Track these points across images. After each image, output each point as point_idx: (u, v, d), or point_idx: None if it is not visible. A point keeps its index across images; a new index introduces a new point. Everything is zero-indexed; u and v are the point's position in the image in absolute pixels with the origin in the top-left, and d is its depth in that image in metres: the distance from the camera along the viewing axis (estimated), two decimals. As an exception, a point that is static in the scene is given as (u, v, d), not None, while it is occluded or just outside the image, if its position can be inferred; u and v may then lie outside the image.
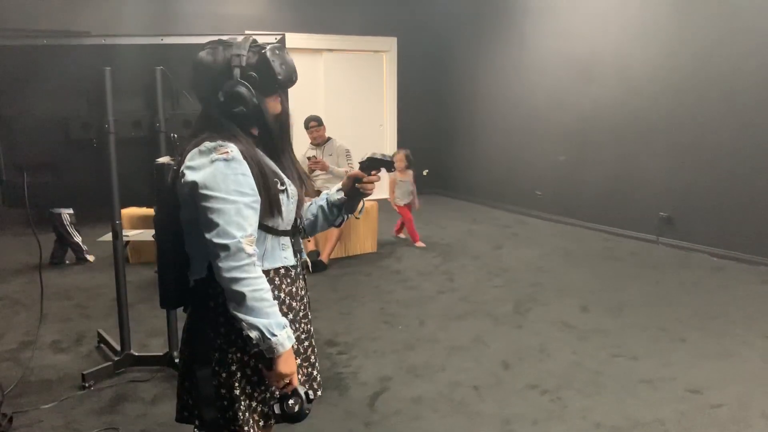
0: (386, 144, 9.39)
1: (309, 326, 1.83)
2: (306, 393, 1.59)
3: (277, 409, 1.59)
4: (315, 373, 1.86)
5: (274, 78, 1.61)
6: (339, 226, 1.91)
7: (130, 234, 4.92)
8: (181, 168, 1.57)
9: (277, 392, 1.61)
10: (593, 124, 6.79)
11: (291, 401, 1.57)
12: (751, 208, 5.31)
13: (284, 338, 1.52)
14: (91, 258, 5.68)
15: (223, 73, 1.59)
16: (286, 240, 1.70)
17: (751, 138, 5.27)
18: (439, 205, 8.82)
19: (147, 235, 5.03)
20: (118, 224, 3.20)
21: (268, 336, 1.50)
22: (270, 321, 1.50)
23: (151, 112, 3.06)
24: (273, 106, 1.66)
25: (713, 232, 5.62)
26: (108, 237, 3.38)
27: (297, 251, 1.76)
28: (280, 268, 1.67)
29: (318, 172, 5.85)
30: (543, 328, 3.95)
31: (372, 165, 1.82)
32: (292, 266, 1.72)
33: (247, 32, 7.77)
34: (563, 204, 7.29)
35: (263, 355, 1.52)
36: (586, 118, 6.86)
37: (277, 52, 1.61)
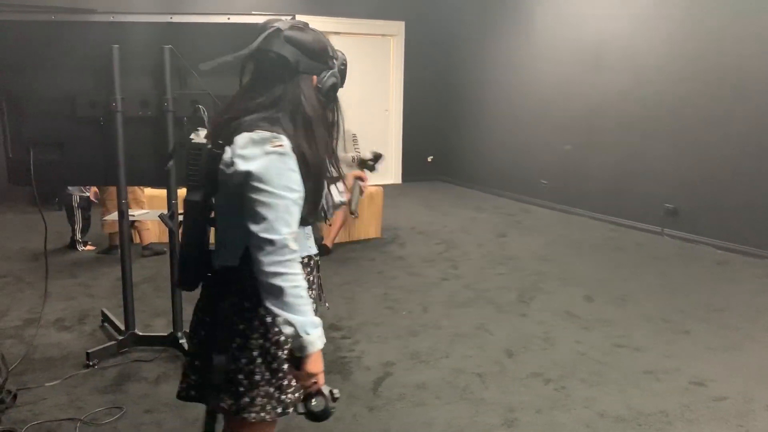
0: (392, 129, 9.35)
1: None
2: (331, 391, 1.56)
3: (301, 408, 1.58)
4: None
5: (344, 80, 1.65)
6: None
7: (136, 214, 4.91)
8: (231, 154, 1.52)
9: (302, 390, 1.59)
10: (600, 114, 6.74)
11: (314, 401, 1.55)
12: (756, 201, 5.28)
13: (316, 338, 1.50)
14: (85, 248, 5.47)
15: (320, 59, 1.60)
16: (309, 229, 1.71)
17: (759, 130, 5.22)
18: (443, 192, 8.81)
19: (152, 215, 5.02)
20: (124, 203, 3.19)
21: (302, 334, 1.48)
22: (305, 319, 1.49)
23: (158, 92, 3.04)
24: None
25: (718, 225, 5.60)
26: (114, 216, 3.37)
27: (317, 239, 1.76)
28: (303, 258, 1.66)
29: None
30: (547, 317, 3.95)
31: (364, 164, 1.96)
32: (315, 255, 1.72)
33: (254, 13, 7.71)
34: (568, 193, 7.26)
35: (292, 353, 1.51)
36: (593, 108, 6.81)
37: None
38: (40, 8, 6.61)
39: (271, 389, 1.64)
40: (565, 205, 7.30)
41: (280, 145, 1.49)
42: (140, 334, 3.38)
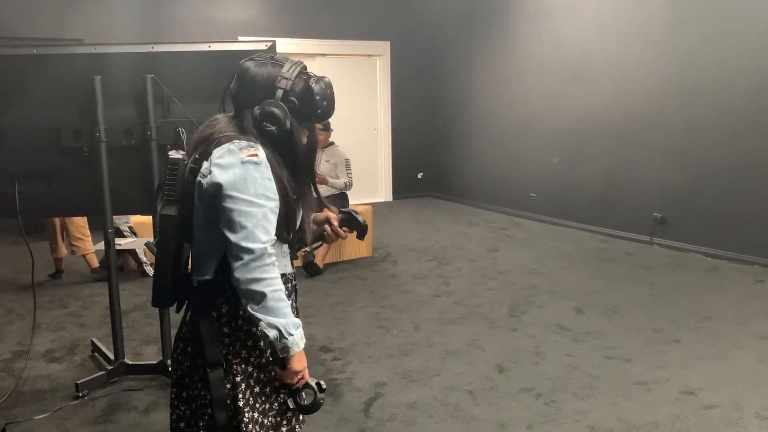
0: (381, 147, 9.40)
1: None
2: (318, 383, 1.66)
3: (291, 404, 1.67)
4: None
5: (313, 110, 1.63)
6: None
7: (122, 243, 4.91)
8: (208, 165, 1.56)
9: (289, 387, 1.67)
10: (587, 126, 6.80)
11: (303, 394, 1.67)
12: (744, 208, 5.32)
13: (299, 338, 1.57)
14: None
15: (265, 90, 1.61)
16: (286, 248, 1.73)
17: (744, 138, 5.28)
18: (433, 208, 8.83)
19: (139, 243, 5.02)
20: (111, 233, 3.19)
21: (285, 336, 1.54)
22: (287, 321, 1.54)
23: (142, 120, 3.06)
24: (302, 135, 1.69)
25: (707, 233, 5.64)
26: (100, 245, 3.37)
27: (293, 260, 1.78)
28: (281, 275, 1.67)
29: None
30: (538, 330, 3.95)
31: (347, 221, 1.85)
32: (290, 274, 1.75)
33: (240, 38, 7.78)
34: (558, 206, 7.30)
35: (277, 354, 1.57)
36: (580, 120, 6.87)
37: (323, 86, 1.64)
38: (23, 41, 6.66)
39: (255, 414, 1.66)
40: (555, 217, 7.33)
41: (255, 155, 1.54)
42: (130, 363, 3.37)
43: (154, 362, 3.37)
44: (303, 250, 1.86)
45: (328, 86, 1.66)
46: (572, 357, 3.53)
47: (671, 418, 2.82)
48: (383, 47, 9.16)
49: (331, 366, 3.48)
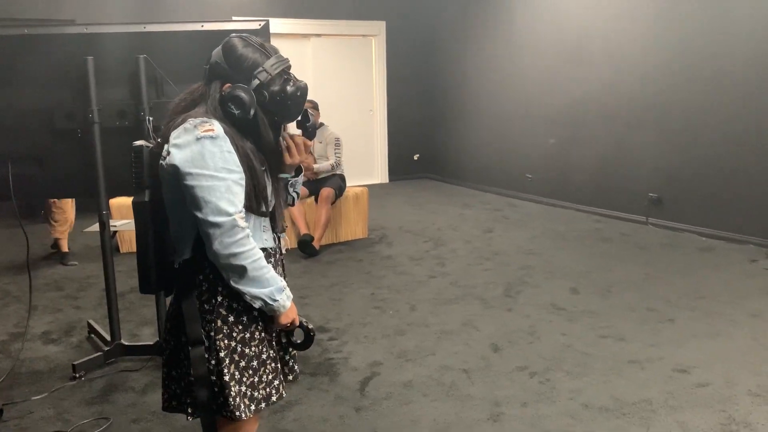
0: (377, 129, 9.37)
1: None
2: (307, 327, 1.79)
3: (286, 343, 1.84)
4: (287, 357, 1.89)
5: (279, 110, 1.64)
6: (292, 204, 1.90)
7: (117, 224, 4.90)
8: (166, 146, 1.57)
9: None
10: (583, 107, 6.79)
11: (294, 335, 1.84)
12: (739, 188, 5.34)
13: (284, 300, 1.65)
14: None
15: (242, 73, 1.61)
16: (266, 222, 1.72)
17: (739, 118, 5.28)
18: (430, 189, 8.83)
19: (133, 225, 5.02)
20: (105, 214, 3.19)
21: (270, 303, 1.62)
22: (271, 289, 1.61)
23: (135, 101, 3.04)
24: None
25: (702, 212, 5.65)
26: (95, 227, 3.37)
27: (276, 234, 1.77)
28: (262, 250, 1.68)
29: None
30: (532, 310, 3.98)
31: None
32: (271, 248, 1.74)
33: (234, 18, 7.71)
34: (553, 186, 7.30)
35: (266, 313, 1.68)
36: (576, 101, 6.85)
37: (297, 91, 1.64)
38: (14, 21, 6.59)
39: (243, 388, 1.67)
40: (551, 198, 7.34)
41: (211, 129, 1.54)
42: (126, 344, 3.38)
43: (150, 343, 3.39)
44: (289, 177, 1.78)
45: (303, 92, 1.65)
46: (566, 336, 3.55)
47: (664, 395, 2.85)
48: (379, 27, 9.10)
49: (327, 346, 3.50)
